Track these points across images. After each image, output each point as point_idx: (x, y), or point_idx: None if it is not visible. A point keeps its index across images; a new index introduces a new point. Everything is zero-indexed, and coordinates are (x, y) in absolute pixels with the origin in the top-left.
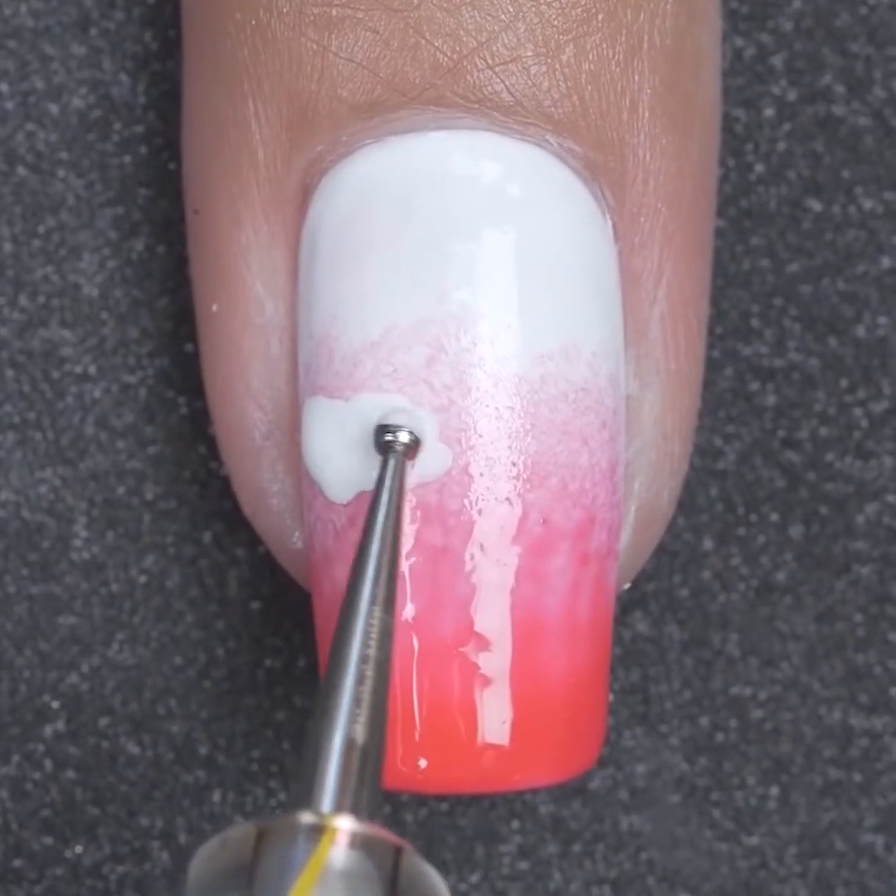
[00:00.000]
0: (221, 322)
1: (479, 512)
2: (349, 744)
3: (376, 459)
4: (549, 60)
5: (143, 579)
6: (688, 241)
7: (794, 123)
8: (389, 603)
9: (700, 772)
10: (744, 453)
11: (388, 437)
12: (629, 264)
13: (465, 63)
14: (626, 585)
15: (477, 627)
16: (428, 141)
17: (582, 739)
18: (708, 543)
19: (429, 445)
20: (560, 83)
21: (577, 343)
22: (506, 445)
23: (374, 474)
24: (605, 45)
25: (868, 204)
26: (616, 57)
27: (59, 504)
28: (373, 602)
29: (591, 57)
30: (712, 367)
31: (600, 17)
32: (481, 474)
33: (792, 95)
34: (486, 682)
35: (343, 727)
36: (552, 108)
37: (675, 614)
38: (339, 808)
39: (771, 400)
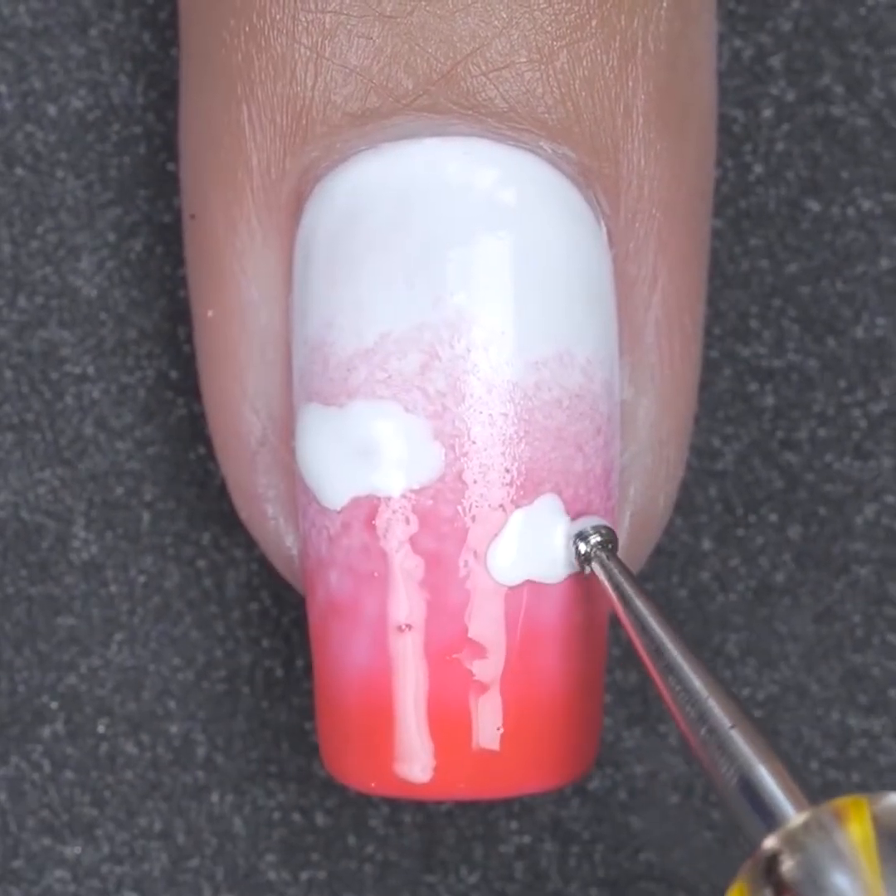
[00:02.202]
0: (217, 327)
1: (473, 519)
2: (764, 760)
3: (367, 467)
4: (542, 67)
5: (141, 580)
6: (683, 247)
7: (793, 124)
8: (695, 657)
9: (698, 772)
10: (742, 454)
11: (584, 549)
12: (624, 270)
13: (458, 69)
14: None
15: (471, 634)
16: (422, 147)
17: (577, 745)
18: (707, 544)
19: (422, 451)
20: (554, 89)
21: (572, 349)
22: (499, 452)
23: (370, 480)
24: (599, 51)
25: (867, 204)
26: (610, 63)
27: (57, 505)
28: (687, 662)
29: (584, 63)
30: (711, 367)
31: (594, 23)
32: (475, 481)
33: (790, 96)
34: (481, 688)
35: (747, 759)
36: (546, 115)
37: (673, 615)
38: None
39: (769, 401)
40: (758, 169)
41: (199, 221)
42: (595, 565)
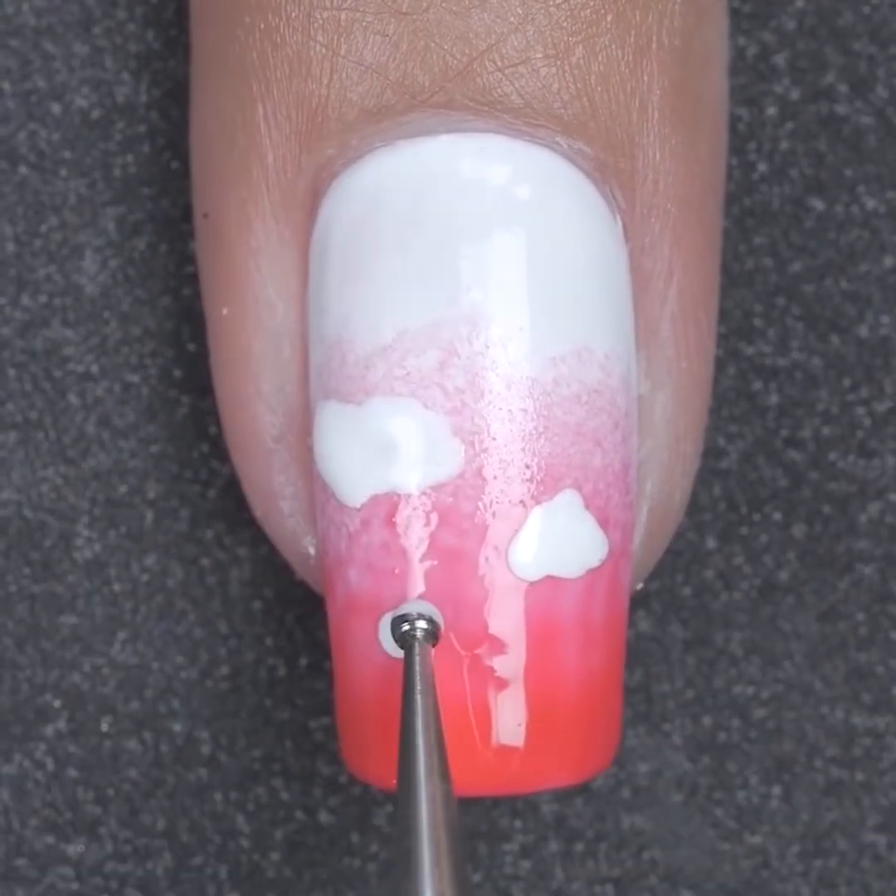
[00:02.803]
0: (232, 325)
1: (494, 515)
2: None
3: (386, 464)
4: (558, 62)
5: (144, 578)
6: (698, 241)
7: (797, 122)
8: (445, 772)
9: (702, 771)
10: (747, 452)
11: (406, 627)
12: (640, 265)
13: (474, 65)
14: (639, 585)
15: (491, 630)
16: (438, 144)
17: (597, 740)
18: (711, 542)
19: (441, 448)
20: (570, 85)
21: (590, 344)
22: (519, 448)
23: (390, 477)
24: (614, 47)
25: (871, 203)
26: (625, 58)
27: (61, 503)
28: (430, 773)
29: (600, 58)
30: (715, 366)
31: (609, 18)
32: (495, 477)
33: (795, 94)
34: (502, 684)
35: (432, 888)
36: (562, 110)
37: (677, 613)
38: None
39: (774, 399)
40: (762, 167)
41: (213, 220)
42: (415, 652)
